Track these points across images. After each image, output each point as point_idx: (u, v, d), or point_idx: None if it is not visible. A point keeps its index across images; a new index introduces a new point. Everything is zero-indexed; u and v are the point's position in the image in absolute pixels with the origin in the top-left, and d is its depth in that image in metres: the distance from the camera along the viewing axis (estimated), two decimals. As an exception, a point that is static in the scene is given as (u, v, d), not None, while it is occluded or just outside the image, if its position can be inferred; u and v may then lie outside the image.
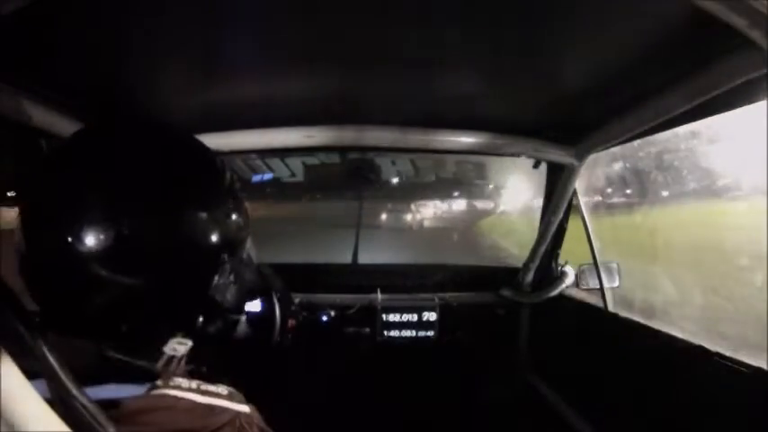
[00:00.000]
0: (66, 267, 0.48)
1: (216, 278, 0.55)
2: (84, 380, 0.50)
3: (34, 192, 0.52)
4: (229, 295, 0.57)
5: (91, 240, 0.47)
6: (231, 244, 0.57)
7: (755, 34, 0.57)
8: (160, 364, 0.54)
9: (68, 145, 0.57)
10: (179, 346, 0.54)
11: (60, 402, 0.44)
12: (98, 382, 0.55)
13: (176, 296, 0.53)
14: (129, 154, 0.54)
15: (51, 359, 0.45)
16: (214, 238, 0.54)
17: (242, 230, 0.60)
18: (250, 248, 0.63)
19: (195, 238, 0.53)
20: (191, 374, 0.62)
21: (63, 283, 0.50)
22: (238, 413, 0.61)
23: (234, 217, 0.59)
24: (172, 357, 0.55)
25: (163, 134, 0.59)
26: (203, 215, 0.54)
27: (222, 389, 0.63)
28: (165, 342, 0.54)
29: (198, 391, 0.60)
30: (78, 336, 0.51)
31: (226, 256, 0.56)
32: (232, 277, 0.57)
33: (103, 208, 0.49)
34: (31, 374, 0.41)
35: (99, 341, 0.52)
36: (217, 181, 0.58)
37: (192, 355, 0.57)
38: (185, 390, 0.59)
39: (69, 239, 0.47)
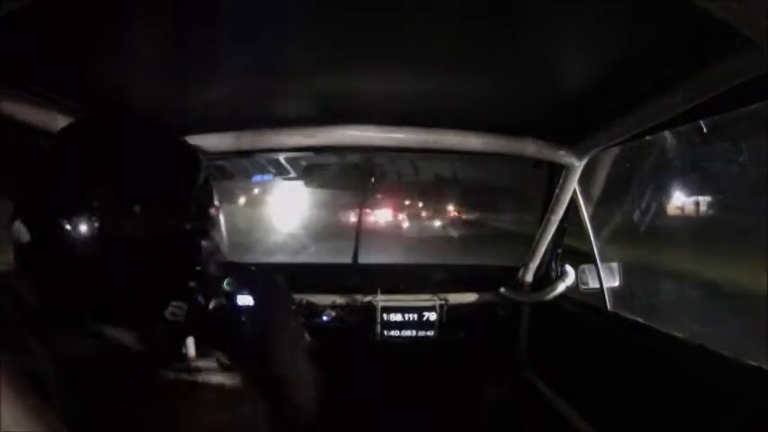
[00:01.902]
0: (63, 252, 0.53)
1: (200, 246, 0.64)
2: (84, 372, 0.51)
3: (28, 185, 0.56)
4: (212, 266, 0.68)
5: (86, 227, 0.52)
6: (207, 224, 0.66)
7: (755, 34, 0.57)
8: (159, 330, 0.61)
9: (59, 142, 0.61)
10: (177, 310, 0.61)
11: (60, 401, 0.44)
12: (97, 374, 0.55)
13: (167, 268, 0.61)
14: (116, 149, 0.59)
15: (49, 358, 0.45)
16: (190, 224, 0.62)
17: (214, 214, 0.69)
18: (221, 228, 0.73)
19: (177, 222, 0.61)
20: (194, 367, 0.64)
21: (61, 266, 0.54)
22: (238, 405, 0.62)
23: (207, 203, 0.67)
24: (169, 322, 0.61)
25: (147, 131, 0.65)
26: (180, 203, 0.62)
27: (224, 379, 0.64)
28: (164, 308, 0.60)
29: (197, 382, 0.61)
30: (79, 312, 0.55)
31: (203, 236, 0.65)
32: (211, 246, 0.66)
33: (96, 199, 0.54)
34: (30, 373, 0.42)
35: (100, 315, 0.56)
36: (193, 173, 0.66)
37: (188, 324, 0.64)
38: (184, 379, 0.60)
39: (66, 227, 0.52)
